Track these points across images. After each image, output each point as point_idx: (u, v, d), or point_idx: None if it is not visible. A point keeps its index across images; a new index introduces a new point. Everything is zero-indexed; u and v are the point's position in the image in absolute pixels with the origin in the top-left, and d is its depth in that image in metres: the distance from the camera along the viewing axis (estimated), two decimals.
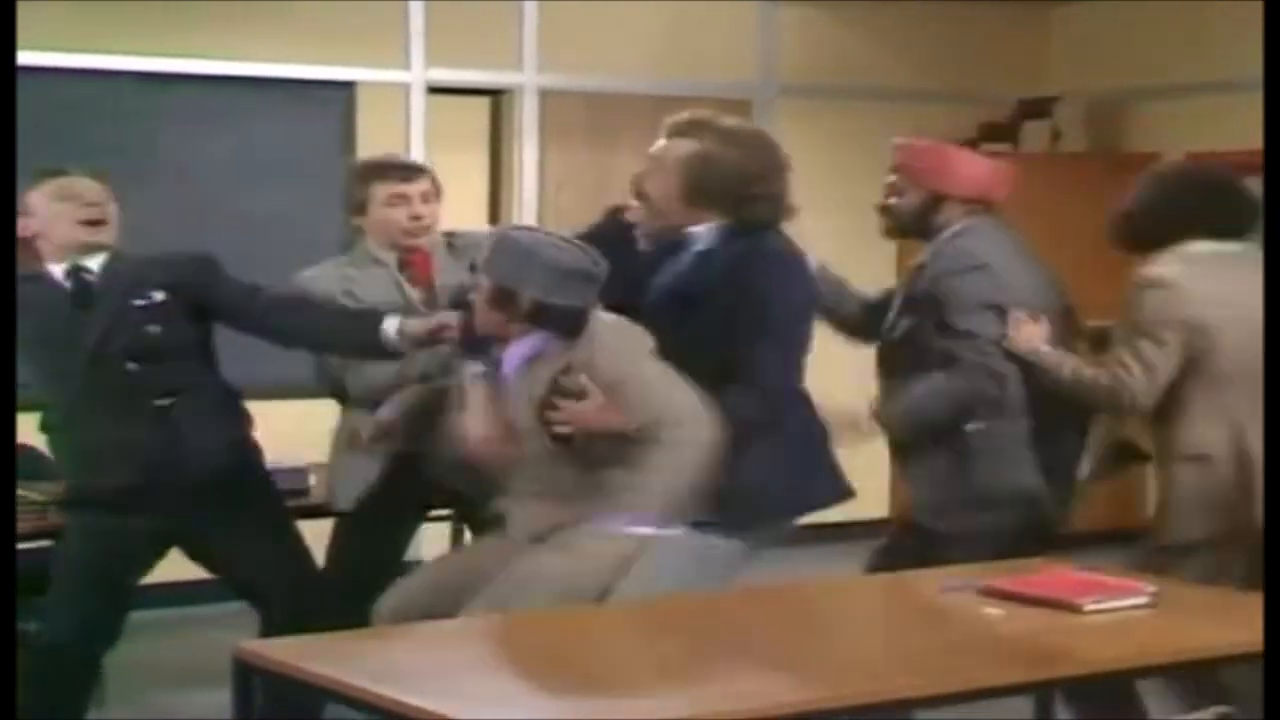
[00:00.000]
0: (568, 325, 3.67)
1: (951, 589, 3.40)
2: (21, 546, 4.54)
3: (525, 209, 7.34)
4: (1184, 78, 7.75)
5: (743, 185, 3.74)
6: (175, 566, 4.26)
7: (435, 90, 7.01)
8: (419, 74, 6.97)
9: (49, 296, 4.10)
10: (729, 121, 3.82)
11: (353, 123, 6.81)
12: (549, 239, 3.73)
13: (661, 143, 3.81)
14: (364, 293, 4.28)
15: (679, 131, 3.80)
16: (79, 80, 6.29)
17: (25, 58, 6.18)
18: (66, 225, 4.11)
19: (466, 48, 7.06)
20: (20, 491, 4.35)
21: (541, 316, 3.65)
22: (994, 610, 3.25)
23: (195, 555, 4.24)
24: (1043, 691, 3.61)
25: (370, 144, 6.85)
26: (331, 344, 4.26)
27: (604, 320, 3.71)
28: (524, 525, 3.72)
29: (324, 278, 4.34)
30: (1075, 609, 3.24)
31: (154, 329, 4.07)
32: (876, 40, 7.96)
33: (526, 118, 7.13)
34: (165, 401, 4.06)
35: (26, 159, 6.06)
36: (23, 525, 4.28)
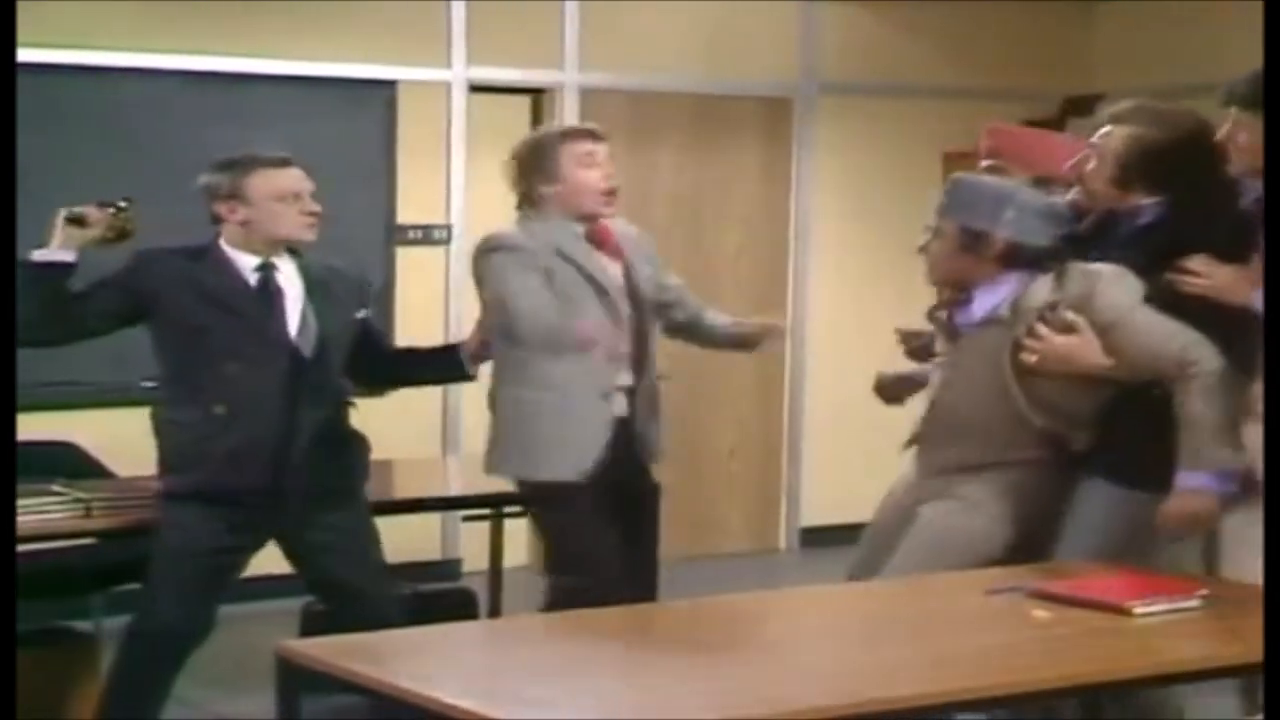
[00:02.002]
0: (1041, 264, 3.74)
1: (998, 591, 3.37)
2: (66, 544, 4.57)
3: None
4: (1231, 74, 7.64)
5: (1168, 168, 3.77)
6: None
7: (476, 89, 6.99)
8: (460, 73, 6.96)
9: (235, 287, 4.07)
10: (1162, 106, 3.90)
11: (394, 122, 6.80)
12: (1006, 181, 3.83)
13: (1103, 130, 3.86)
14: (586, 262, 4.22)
15: (1116, 119, 3.86)
16: (126, 79, 6.29)
17: (73, 56, 6.22)
18: (290, 221, 4.11)
19: (508, 46, 7.05)
20: (59, 489, 4.34)
21: (1015, 257, 3.74)
22: (1042, 613, 3.22)
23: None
24: (1090, 696, 3.56)
25: (411, 143, 6.87)
26: (424, 380, 4.68)
27: (1101, 266, 3.75)
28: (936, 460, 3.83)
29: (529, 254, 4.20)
30: (1125, 612, 3.20)
31: (350, 341, 4.19)
32: (919, 38, 7.91)
33: (568, 116, 7.10)
34: (323, 409, 4.08)
35: (75, 158, 6.14)
36: (66, 524, 4.28)
